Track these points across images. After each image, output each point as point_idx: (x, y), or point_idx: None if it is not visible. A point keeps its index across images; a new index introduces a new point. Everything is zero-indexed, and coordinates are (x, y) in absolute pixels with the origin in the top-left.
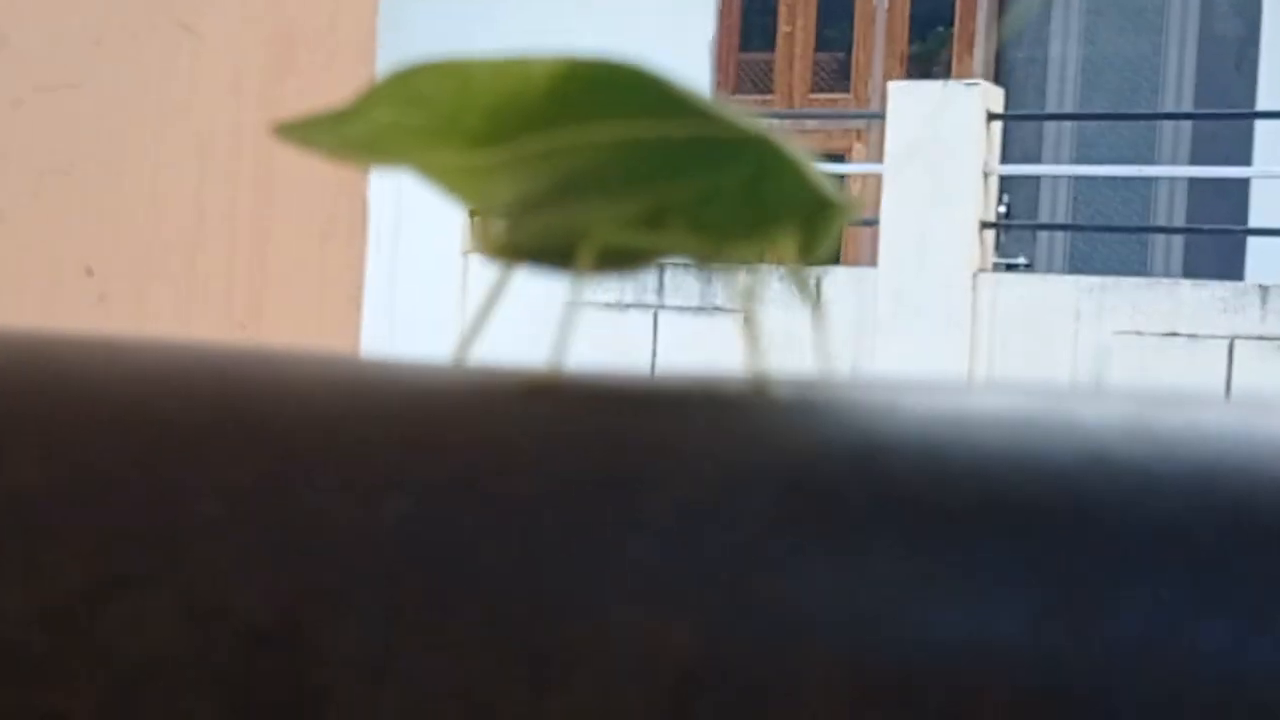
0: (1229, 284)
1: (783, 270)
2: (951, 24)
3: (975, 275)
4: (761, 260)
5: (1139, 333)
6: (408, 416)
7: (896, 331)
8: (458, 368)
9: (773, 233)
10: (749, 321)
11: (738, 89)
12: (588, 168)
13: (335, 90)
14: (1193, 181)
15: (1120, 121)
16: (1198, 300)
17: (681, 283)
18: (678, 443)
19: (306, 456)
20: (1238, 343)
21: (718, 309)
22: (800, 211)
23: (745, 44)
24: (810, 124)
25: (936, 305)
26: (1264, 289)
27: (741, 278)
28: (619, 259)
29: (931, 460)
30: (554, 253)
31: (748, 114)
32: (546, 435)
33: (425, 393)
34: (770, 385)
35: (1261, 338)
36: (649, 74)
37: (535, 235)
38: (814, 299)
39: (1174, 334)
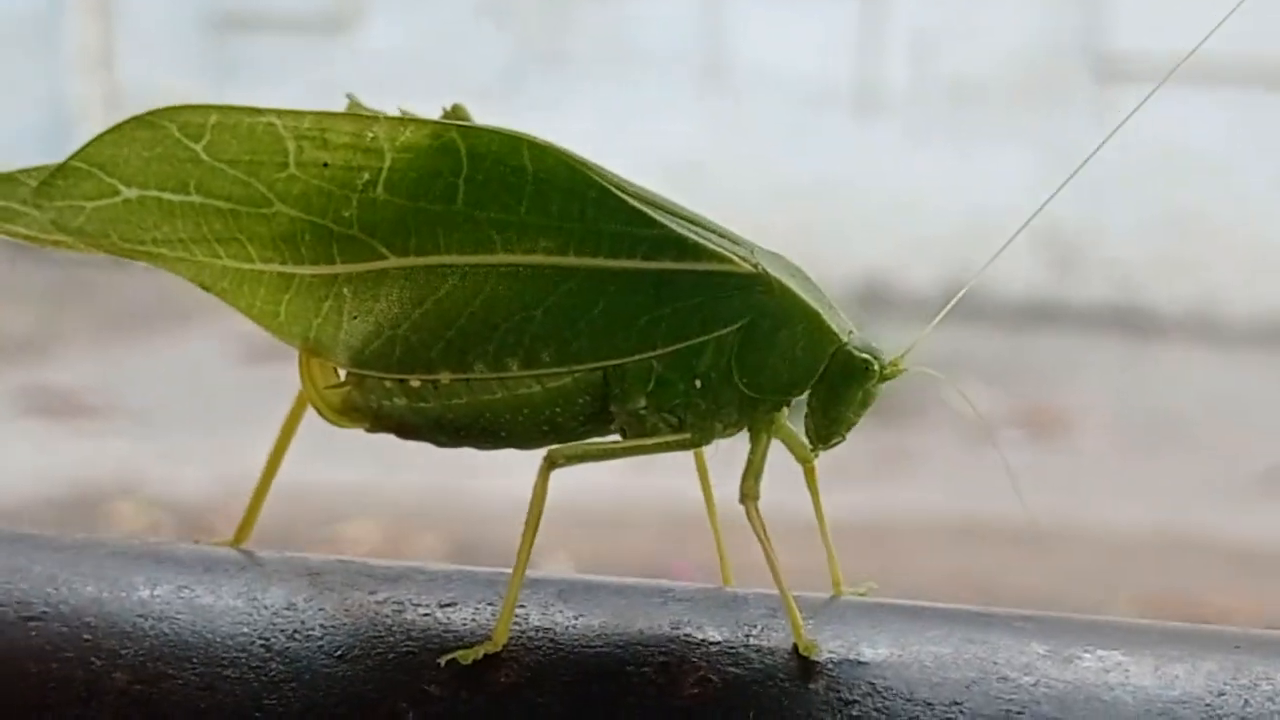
0: None
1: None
2: None
3: None
4: (766, 441)
5: None
6: None
7: None
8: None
9: (780, 405)
10: (768, 555)
11: None
12: (478, 305)
13: None
14: None
15: None
16: None
17: None
18: None
19: None
20: None
21: None
22: (817, 375)
23: None
24: None
25: None
26: None
27: (750, 504)
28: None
29: None
30: (431, 427)
31: (725, 231)
32: None
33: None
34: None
35: None
36: (573, 156)
37: (398, 407)
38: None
39: None
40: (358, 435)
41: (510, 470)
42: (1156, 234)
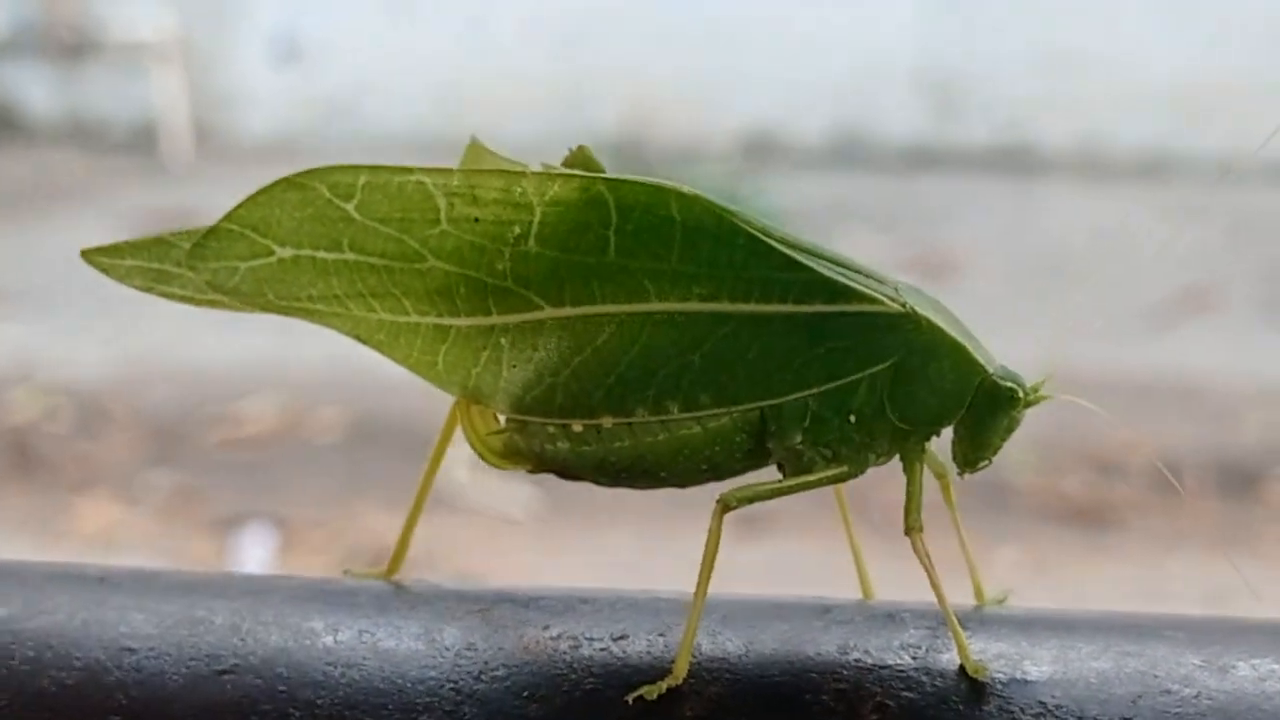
0: None
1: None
2: None
3: None
4: (918, 468)
5: None
6: None
7: None
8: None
9: (930, 435)
10: (934, 584)
11: None
12: (636, 352)
13: None
14: None
15: None
16: None
17: None
18: None
19: None
20: None
21: None
22: (965, 405)
23: None
24: None
25: None
26: None
27: (917, 539)
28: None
29: None
30: (593, 469)
31: (868, 269)
32: None
33: None
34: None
35: None
36: (719, 206)
37: (561, 451)
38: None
39: None
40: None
41: None
42: (1035, 73)
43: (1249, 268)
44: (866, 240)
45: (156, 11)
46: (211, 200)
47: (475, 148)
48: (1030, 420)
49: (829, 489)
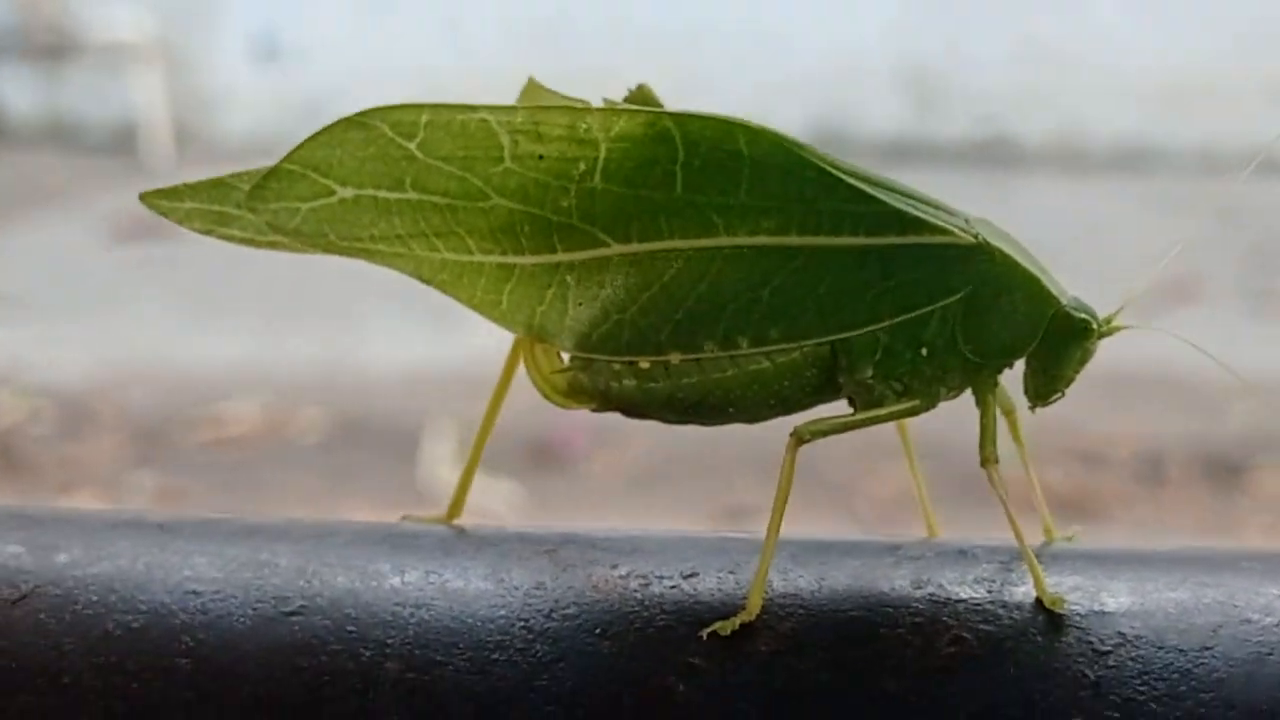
0: None
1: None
2: None
3: None
4: (991, 398)
5: None
6: None
7: None
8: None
9: (1002, 368)
10: (1009, 515)
11: None
12: (705, 288)
13: None
14: None
15: None
16: None
17: None
18: None
19: None
20: None
21: None
22: (1038, 337)
23: None
24: None
25: None
26: None
27: (992, 468)
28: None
29: None
30: (660, 406)
31: (938, 202)
32: None
33: None
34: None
35: None
36: (787, 139)
37: (628, 389)
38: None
39: None
40: (231, 305)
41: (394, 336)
42: (1014, 66)
43: (1233, 258)
44: None
45: (136, 13)
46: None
47: (533, 86)
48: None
49: (891, 425)
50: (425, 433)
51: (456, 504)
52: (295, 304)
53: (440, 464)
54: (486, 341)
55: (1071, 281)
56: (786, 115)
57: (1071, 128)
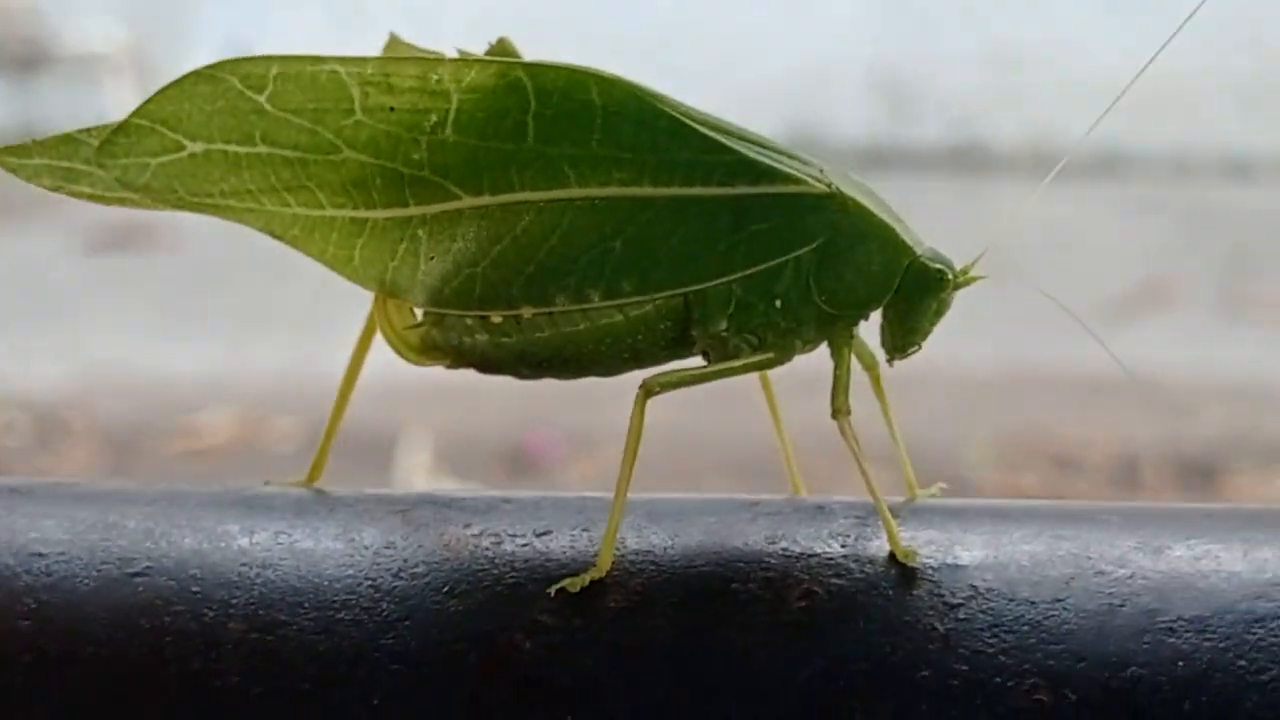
0: None
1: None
2: None
3: None
4: (846, 352)
5: None
6: None
7: None
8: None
9: (857, 320)
10: (862, 468)
11: None
12: (556, 240)
13: None
14: None
15: None
16: None
17: None
18: None
19: None
20: None
21: None
22: (893, 288)
23: None
24: None
25: None
26: None
27: (843, 418)
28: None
29: None
30: (514, 361)
31: (794, 152)
32: None
33: None
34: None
35: None
36: (641, 89)
37: (480, 344)
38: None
39: None
40: (204, 315)
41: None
42: (986, 70)
43: (1206, 261)
44: None
45: (107, 24)
46: (168, 212)
47: (394, 42)
48: (987, 417)
49: (755, 377)
50: (399, 442)
51: (316, 467)
52: (267, 314)
53: (415, 473)
54: None
55: (1045, 281)
56: (759, 120)
57: (1044, 131)
